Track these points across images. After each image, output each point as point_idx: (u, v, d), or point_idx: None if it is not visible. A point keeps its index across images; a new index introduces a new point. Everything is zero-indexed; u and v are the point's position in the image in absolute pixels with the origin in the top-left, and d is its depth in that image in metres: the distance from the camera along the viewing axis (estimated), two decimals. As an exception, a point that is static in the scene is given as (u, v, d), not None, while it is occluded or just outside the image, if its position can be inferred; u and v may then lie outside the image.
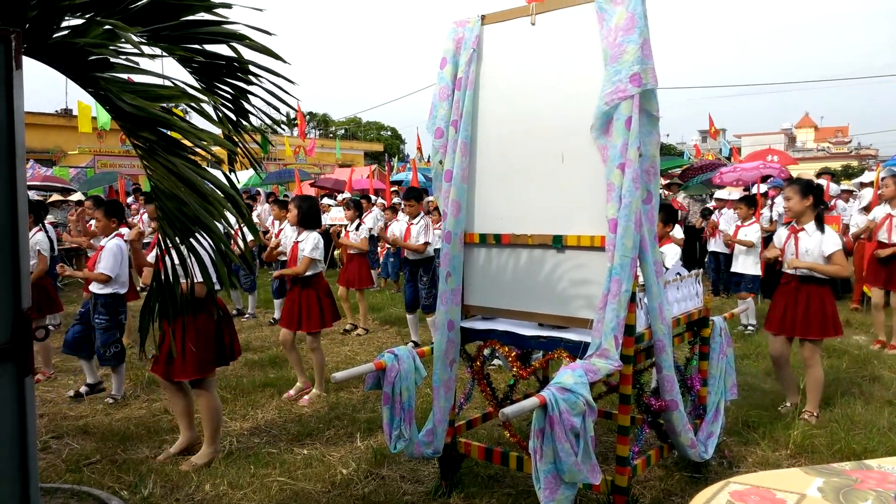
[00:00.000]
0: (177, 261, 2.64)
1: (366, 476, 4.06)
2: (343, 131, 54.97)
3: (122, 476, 4.08)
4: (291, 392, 5.68)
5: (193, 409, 4.51)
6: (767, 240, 8.79)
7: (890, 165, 12.37)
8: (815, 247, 4.79)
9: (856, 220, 8.55)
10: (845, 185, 12.02)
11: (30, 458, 1.96)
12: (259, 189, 15.94)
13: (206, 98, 2.45)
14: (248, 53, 2.53)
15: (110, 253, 5.50)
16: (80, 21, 2.32)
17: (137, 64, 2.32)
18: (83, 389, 5.70)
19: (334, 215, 12.77)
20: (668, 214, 5.30)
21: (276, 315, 8.71)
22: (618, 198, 3.04)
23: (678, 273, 3.86)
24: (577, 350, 3.20)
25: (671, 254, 5.18)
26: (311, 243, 5.59)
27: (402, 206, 7.98)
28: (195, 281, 2.87)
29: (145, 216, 12.03)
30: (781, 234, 5.11)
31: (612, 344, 3.04)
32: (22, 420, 1.95)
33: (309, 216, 5.74)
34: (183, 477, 4.05)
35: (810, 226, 4.85)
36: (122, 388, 5.71)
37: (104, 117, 17.85)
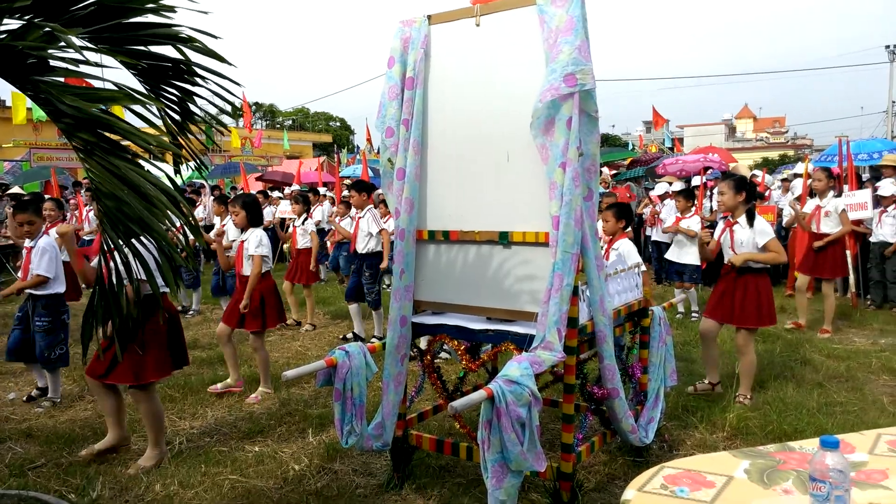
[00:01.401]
0: (120, 263, 2.62)
1: (318, 471, 4.10)
2: (290, 122, 54.17)
3: (68, 479, 4.02)
4: (218, 385, 5.67)
5: (124, 407, 4.45)
6: (711, 227, 9.10)
7: (820, 164, 12.91)
8: (748, 238, 5.05)
9: (789, 210, 8.95)
10: (785, 174, 12.51)
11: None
12: (204, 182, 15.62)
13: (147, 100, 2.44)
14: (194, 56, 2.52)
15: (44, 252, 5.23)
16: (18, 23, 2.28)
17: (78, 67, 2.30)
18: (34, 392, 5.56)
19: (283, 209, 12.66)
20: (622, 211, 5.42)
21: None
22: (560, 195, 3.14)
23: (619, 266, 4.00)
24: (524, 342, 3.31)
25: (629, 249, 5.21)
26: (254, 241, 5.57)
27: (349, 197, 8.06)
28: (140, 281, 2.84)
29: (90, 214, 11.68)
30: (719, 227, 5.36)
31: (555, 336, 3.15)
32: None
33: (252, 214, 5.72)
34: (132, 478, 4.02)
35: (743, 219, 5.13)
36: (59, 389, 5.61)
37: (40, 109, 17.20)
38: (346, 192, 11.85)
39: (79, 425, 4.94)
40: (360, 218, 7.51)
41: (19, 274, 5.46)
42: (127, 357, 4.01)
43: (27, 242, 5.40)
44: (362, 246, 7.43)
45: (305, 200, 8.94)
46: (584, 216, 3.22)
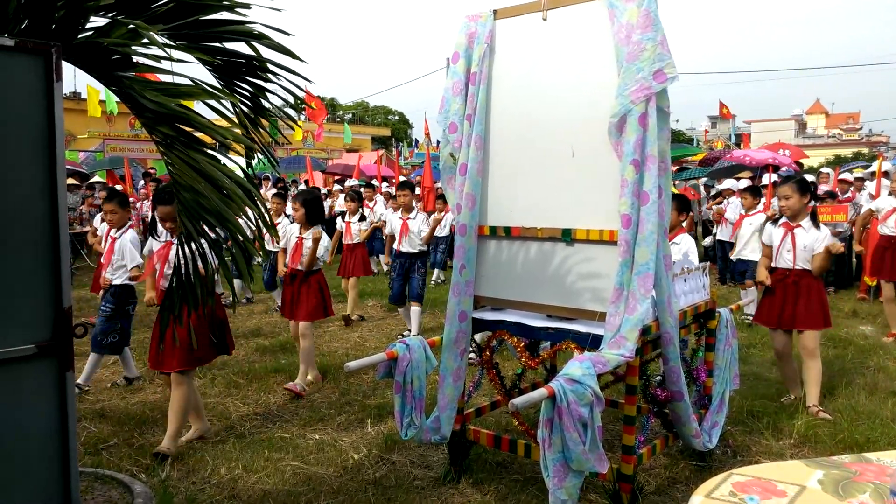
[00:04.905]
0: (196, 253, 2.70)
1: (377, 461, 4.16)
2: (350, 115, 54.87)
3: (139, 459, 4.19)
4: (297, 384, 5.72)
5: (198, 397, 4.55)
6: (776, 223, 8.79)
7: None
8: (812, 242, 4.89)
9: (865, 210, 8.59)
10: (858, 173, 11.95)
11: (70, 445, 2.07)
12: (268, 174, 15.98)
13: (223, 95, 2.51)
14: (266, 52, 2.58)
15: (133, 245, 5.53)
16: (104, 21, 2.37)
17: (160, 63, 2.38)
18: (119, 381, 5.77)
19: (342, 202, 12.83)
20: (683, 204, 5.31)
21: (280, 303, 8.92)
22: (630, 193, 3.10)
23: (686, 266, 3.91)
24: (585, 341, 3.27)
25: (689, 246, 5.12)
26: (312, 237, 5.63)
27: (397, 195, 8.04)
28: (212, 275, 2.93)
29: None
30: (774, 232, 5.15)
31: (634, 335, 3.10)
32: (63, 410, 2.05)
33: (313, 211, 5.80)
34: (199, 461, 4.16)
35: (806, 222, 4.96)
36: (134, 367, 5.81)
37: (113, 101, 17.90)
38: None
39: (149, 407, 5.13)
40: (408, 219, 7.49)
41: (102, 259, 5.69)
42: (171, 344, 4.10)
43: (113, 232, 5.64)
44: (412, 246, 7.41)
45: (359, 198, 9.07)
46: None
